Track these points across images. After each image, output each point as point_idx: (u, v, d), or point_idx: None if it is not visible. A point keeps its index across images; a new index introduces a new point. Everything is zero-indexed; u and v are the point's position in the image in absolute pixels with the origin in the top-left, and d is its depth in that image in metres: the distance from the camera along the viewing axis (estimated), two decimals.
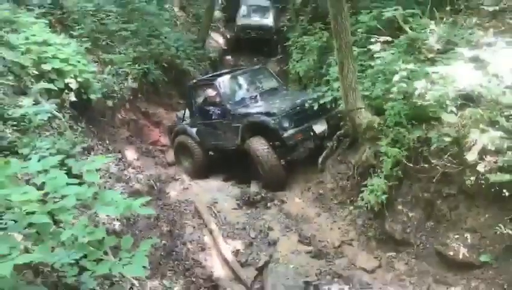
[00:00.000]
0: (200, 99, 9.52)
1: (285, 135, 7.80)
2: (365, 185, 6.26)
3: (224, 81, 9.14)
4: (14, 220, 2.74)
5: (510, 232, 4.57)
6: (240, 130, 8.37)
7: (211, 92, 9.09)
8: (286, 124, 7.87)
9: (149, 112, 11.43)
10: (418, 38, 6.83)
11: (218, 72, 10.97)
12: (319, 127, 8.11)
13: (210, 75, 10.89)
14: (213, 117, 9.02)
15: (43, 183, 2.67)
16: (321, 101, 7.87)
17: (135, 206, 2.62)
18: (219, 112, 8.91)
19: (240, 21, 17.82)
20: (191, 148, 9.37)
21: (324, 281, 5.66)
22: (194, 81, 10.15)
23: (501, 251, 4.89)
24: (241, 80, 9.50)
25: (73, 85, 7.10)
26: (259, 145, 7.89)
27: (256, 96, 9.06)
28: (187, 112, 9.91)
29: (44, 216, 2.52)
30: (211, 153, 9.65)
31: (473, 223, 5.20)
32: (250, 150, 7.99)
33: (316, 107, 7.89)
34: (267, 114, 8.06)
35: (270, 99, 8.89)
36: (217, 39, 18.82)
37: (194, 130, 9.39)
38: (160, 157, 10.15)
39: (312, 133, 8.08)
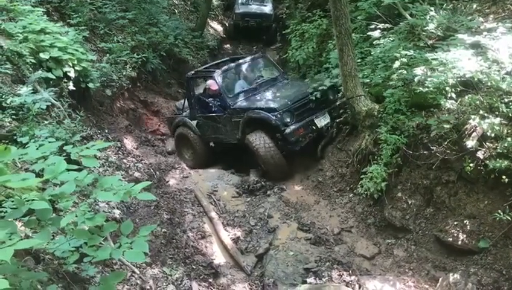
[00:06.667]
0: (199, 91, 9.43)
1: (287, 131, 7.62)
2: (364, 173, 6.27)
3: (223, 73, 8.92)
4: (14, 207, 2.74)
5: (509, 218, 4.58)
6: (241, 125, 8.22)
7: (210, 84, 8.93)
8: (287, 120, 7.70)
9: (148, 101, 11.40)
10: (418, 25, 6.78)
11: (216, 62, 10.81)
12: (322, 121, 7.93)
13: (209, 65, 10.74)
14: (213, 109, 8.86)
15: (42, 169, 2.66)
16: (319, 95, 7.88)
17: (135, 191, 2.61)
18: (219, 104, 8.76)
19: (239, 9, 17.67)
20: (192, 141, 9.27)
21: (324, 267, 5.68)
22: (193, 72, 10.02)
23: (500, 237, 4.92)
24: (241, 70, 9.32)
25: (72, 74, 7.08)
26: (260, 141, 7.75)
27: (256, 88, 8.86)
28: (186, 102, 9.81)
29: (43, 202, 2.52)
30: (211, 144, 9.54)
31: (472, 209, 5.22)
32: (251, 146, 7.91)
33: (317, 99, 7.91)
34: (268, 109, 7.89)
35: (271, 90, 8.72)
36: (216, 27, 18.72)
37: (194, 122, 9.25)
38: (160, 146, 10.14)
39: (314, 128, 7.89)
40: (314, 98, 7.91)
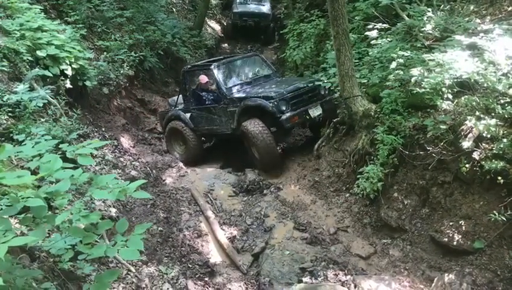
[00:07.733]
0: (194, 85, 9.49)
1: (283, 117, 7.92)
2: (361, 173, 6.28)
3: (219, 67, 9.12)
4: (9, 205, 2.74)
5: (504, 219, 4.59)
6: (237, 114, 8.41)
7: (201, 78, 9.07)
8: (283, 108, 7.99)
9: (145, 100, 11.40)
10: (415, 26, 6.80)
11: (211, 59, 10.93)
12: (314, 111, 8.25)
13: (205, 61, 10.86)
14: (207, 102, 9.03)
15: (38, 167, 2.66)
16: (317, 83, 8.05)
17: (130, 190, 2.62)
18: (213, 97, 8.92)
19: (237, 8, 17.69)
20: (185, 134, 9.32)
21: (319, 267, 5.69)
22: (189, 66, 10.08)
23: (495, 237, 4.94)
24: (236, 66, 9.53)
25: (69, 72, 7.08)
26: (255, 126, 7.94)
27: (250, 82, 9.13)
28: (180, 98, 9.87)
29: (39, 200, 2.52)
30: (203, 139, 9.68)
31: (468, 210, 5.24)
32: (246, 132, 8.03)
33: (310, 92, 8.19)
34: (265, 98, 8.13)
35: (265, 85, 8.97)
36: (214, 26, 18.72)
37: (187, 115, 9.37)
38: (157, 145, 10.13)
39: (308, 117, 8.21)
40: (307, 91, 8.26)
